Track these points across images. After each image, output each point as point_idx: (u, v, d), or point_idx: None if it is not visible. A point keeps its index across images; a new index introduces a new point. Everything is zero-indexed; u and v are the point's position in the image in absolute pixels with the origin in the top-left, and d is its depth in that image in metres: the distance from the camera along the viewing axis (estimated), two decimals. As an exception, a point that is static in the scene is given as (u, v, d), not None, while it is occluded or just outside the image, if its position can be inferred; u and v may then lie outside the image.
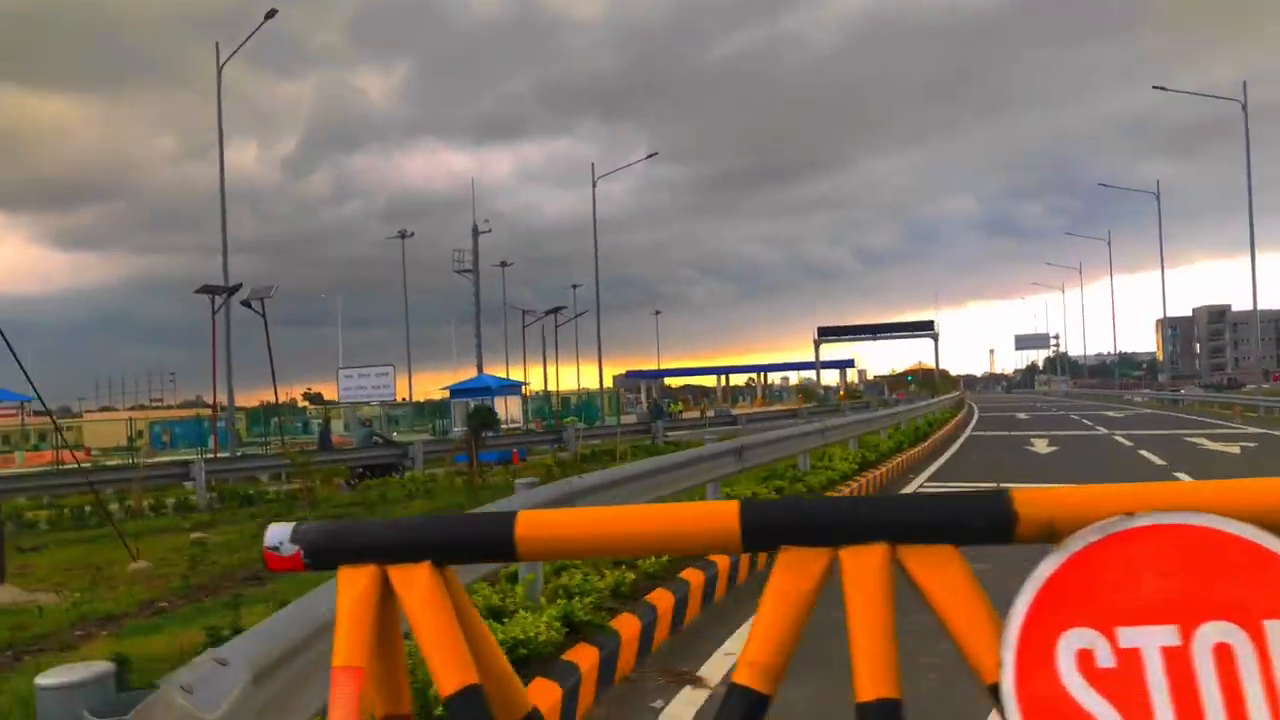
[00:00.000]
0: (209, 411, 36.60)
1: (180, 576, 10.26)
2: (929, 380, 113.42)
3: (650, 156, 48.33)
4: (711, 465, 10.15)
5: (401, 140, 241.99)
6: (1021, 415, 44.15)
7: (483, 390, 35.01)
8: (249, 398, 61.88)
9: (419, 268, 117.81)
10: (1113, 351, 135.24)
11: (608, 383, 64.48)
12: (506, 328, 56.58)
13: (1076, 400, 74.45)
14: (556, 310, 46.29)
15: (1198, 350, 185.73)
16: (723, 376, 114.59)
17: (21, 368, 10.99)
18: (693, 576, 7.53)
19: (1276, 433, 27.04)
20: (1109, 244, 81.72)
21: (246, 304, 31.24)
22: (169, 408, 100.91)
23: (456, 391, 35.75)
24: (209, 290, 28.78)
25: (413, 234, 75.01)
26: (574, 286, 70.67)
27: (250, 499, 18.52)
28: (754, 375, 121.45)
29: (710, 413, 60.72)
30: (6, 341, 10.52)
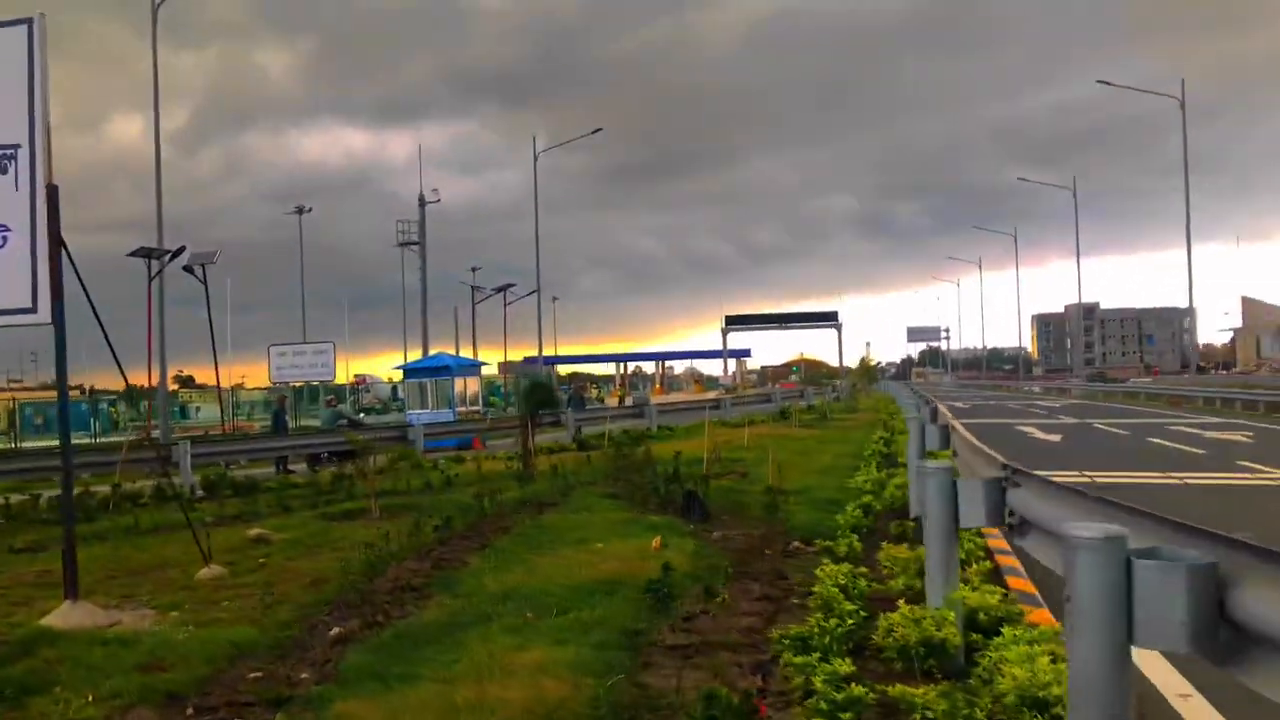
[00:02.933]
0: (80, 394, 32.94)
1: (270, 586, 7.97)
2: (816, 371, 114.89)
3: (596, 131, 45.73)
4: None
5: (299, 119, 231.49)
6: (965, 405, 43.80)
7: (441, 370, 32.42)
8: (116, 379, 57.54)
9: (312, 249, 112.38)
10: (983, 346, 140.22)
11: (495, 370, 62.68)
12: (407, 308, 53.26)
13: (990, 392, 75.55)
14: (506, 288, 43.78)
15: (1069, 345, 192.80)
16: (622, 364, 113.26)
17: None
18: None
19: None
20: (1015, 238, 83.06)
21: (189, 269, 28.01)
22: (29, 389, 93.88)
23: (410, 371, 33.04)
24: (145, 254, 25.48)
25: (310, 209, 71.37)
26: (473, 269, 68.78)
27: (246, 487, 15.86)
28: (630, 365, 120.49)
29: (629, 400, 59.09)
30: None
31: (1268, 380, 55.08)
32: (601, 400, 63.80)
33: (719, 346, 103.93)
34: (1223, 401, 37.08)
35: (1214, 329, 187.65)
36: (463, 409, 32.21)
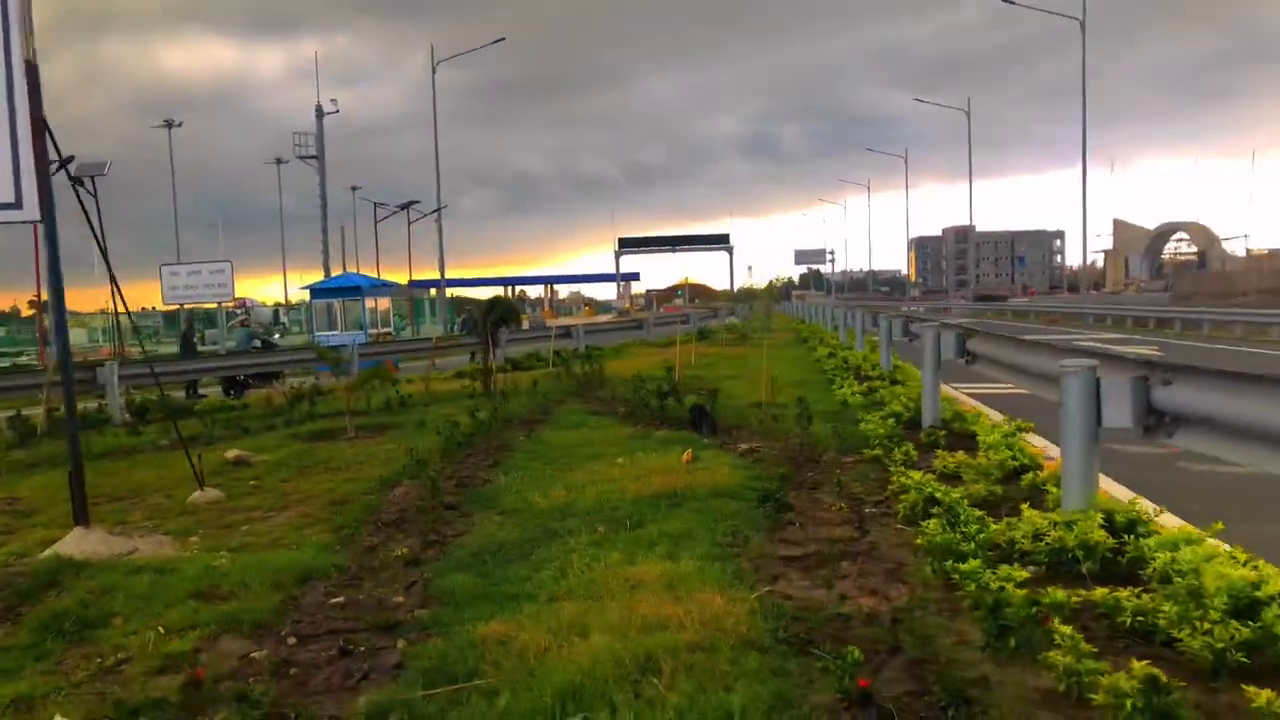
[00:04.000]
0: None
1: (280, 508, 7.45)
2: (702, 295, 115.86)
3: (498, 41, 44.01)
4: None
5: (162, 27, 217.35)
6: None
7: (351, 290, 31.24)
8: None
9: (181, 168, 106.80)
10: (869, 268, 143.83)
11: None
12: (286, 230, 51.21)
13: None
14: (409, 205, 42.10)
15: (944, 267, 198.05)
16: (511, 288, 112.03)
17: None
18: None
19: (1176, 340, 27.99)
20: (905, 160, 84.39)
21: (78, 181, 26.02)
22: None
23: (318, 291, 31.73)
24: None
25: (180, 124, 67.99)
26: (353, 188, 66.83)
27: (179, 410, 14.92)
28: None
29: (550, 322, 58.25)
30: None
31: (1132, 299, 57.89)
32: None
33: (604, 270, 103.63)
34: (1114, 319, 38.63)
35: (1090, 250, 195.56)
36: (372, 331, 31.20)
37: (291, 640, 4.48)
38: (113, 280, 8.38)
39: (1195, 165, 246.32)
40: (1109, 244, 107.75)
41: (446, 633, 4.34)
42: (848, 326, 28.64)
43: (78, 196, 7.54)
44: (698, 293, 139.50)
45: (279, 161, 71.66)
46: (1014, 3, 46.32)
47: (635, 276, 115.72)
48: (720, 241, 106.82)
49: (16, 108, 6.25)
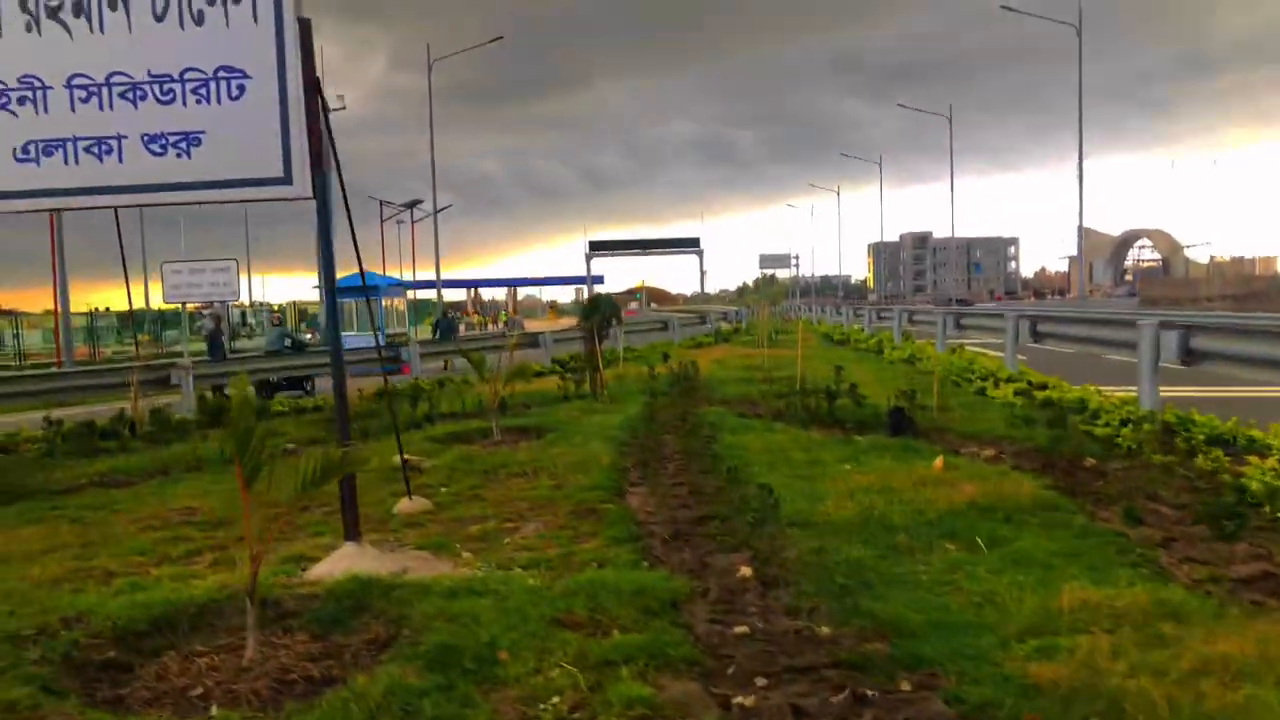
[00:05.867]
0: None
1: (512, 517, 6.77)
2: (659, 299, 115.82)
3: (495, 40, 43.28)
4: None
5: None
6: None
7: (368, 289, 30.24)
8: None
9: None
10: (839, 272, 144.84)
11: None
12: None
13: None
14: (413, 204, 41.12)
15: (901, 273, 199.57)
16: (471, 290, 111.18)
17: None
18: None
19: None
20: (880, 166, 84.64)
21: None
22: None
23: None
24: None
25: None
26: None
27: (262, 412, 14.07)
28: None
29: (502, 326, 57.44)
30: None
31: (1099, 304, 58.36)
32: (485, 326, 62.14)
33: (565, 272, 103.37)
34: (1089, 321, 38.73)
35: (1054, 256, 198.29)
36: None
37: (763, 682, 3.84)
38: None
39: (1171, 168, 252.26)
40: (1073, 250, 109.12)
41: (968, 670, 3.73)
42: (876, 327, 28.29)
43: (340, 179, 6.69)
44: (654, 296, 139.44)
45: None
46: (1011, 9, 46.56)
47: (601, 279, 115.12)
48: (690, 245, 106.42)
49: (287, 69, 5.52)
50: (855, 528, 5.99)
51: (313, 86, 5.59)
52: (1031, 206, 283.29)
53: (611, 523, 6.46)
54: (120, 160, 5.59)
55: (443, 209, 39.57)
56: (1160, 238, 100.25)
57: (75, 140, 5.59)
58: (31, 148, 5.59)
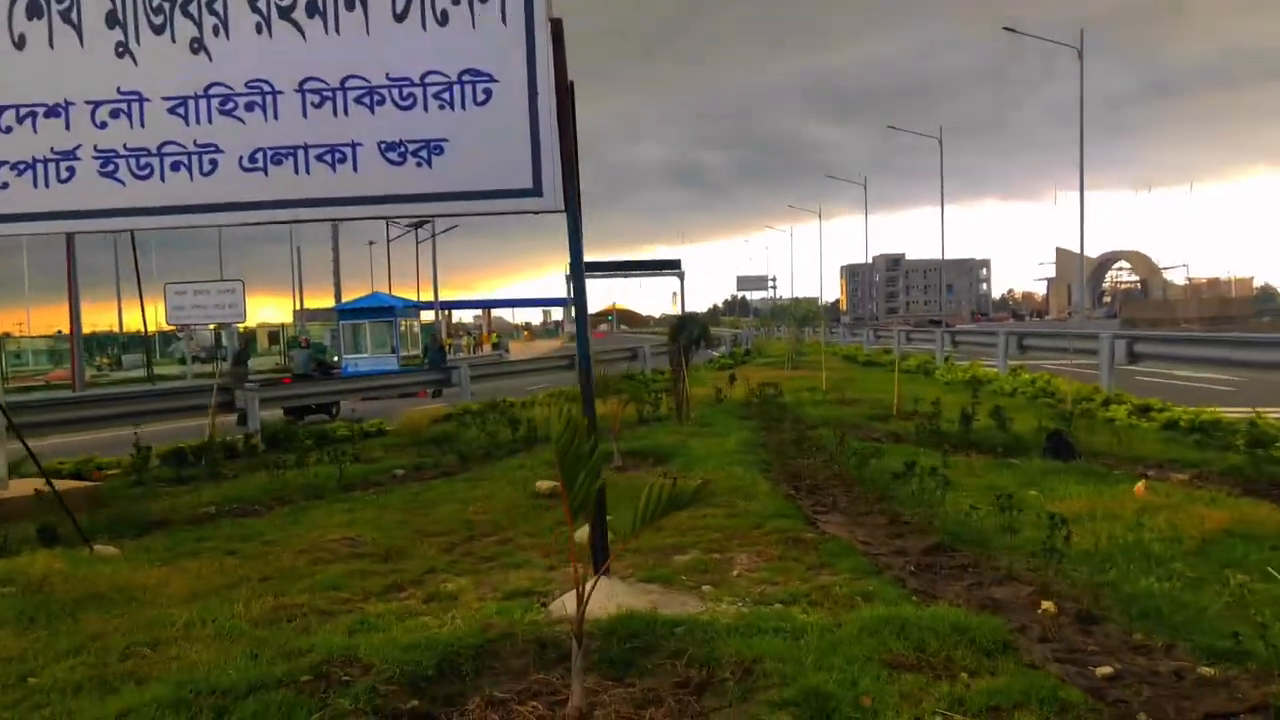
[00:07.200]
0: None
1: (716, 549, 6.41)
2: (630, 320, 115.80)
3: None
4: None
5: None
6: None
7: (384, 310, 29.85)
8: None
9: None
10: (820, 294, 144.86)
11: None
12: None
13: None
14: (419, 225, 40.68)
15: (874, 295, 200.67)
16: (445, 311, 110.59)
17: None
18: None
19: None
20: (865, 187, 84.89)
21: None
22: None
23: (345, 312, 30.24)
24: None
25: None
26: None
27: (320, 437, 13.68)
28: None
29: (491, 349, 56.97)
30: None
31: (1080, 324, 59.26)
32: (473, 348, 61.64)
33: (533, 294, 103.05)
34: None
35: (1031, 278, 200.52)
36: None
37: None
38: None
39: (1146, 195, 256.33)
40: (1052, 272, 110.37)
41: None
42: (902, 348, 28.11)
43: (576, 185, 6.30)
44: (625, 318, 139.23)
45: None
46: (1014, 30, 46.91)
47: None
48: (672, 266, 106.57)
49: (538, 72, 5.19)
50: (1116, 557, 5.70)
51: (566, 91, 5.26)
52: (997, 229, 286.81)
53: (835, 554, 6.13)
54: (355, 170, 5.23)
55: (445, 231, 39.16)
56: (1138, 260, 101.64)
57: (307, 148, 5.23)
58: (259, 156, 5.23)
